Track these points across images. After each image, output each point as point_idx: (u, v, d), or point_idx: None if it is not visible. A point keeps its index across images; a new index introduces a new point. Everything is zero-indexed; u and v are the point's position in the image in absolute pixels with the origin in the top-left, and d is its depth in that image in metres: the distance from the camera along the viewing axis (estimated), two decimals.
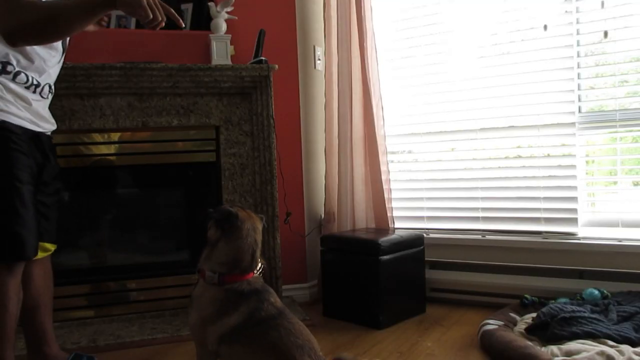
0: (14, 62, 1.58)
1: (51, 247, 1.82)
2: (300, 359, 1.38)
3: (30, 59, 1.63)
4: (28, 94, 1.65)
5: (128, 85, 2.48)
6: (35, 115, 1.67)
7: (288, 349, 1.39)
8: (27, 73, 1.63)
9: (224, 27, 2.60)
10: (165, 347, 2.25)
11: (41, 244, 1.74)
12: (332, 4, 2.93)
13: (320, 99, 3.02)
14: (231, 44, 2.64)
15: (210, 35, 2.59)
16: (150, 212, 2.82)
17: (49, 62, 1.72)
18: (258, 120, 2.68)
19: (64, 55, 1.81)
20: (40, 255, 1.76)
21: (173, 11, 1.58)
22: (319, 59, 3.05)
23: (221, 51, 2.60)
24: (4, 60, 1.56)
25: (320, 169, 3.04)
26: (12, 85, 1.59)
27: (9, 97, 1.58)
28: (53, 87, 1.80)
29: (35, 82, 1.67)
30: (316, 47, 3.04)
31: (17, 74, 1.59)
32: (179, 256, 2.78)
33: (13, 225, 1.57)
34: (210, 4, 2.61)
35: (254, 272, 1.53)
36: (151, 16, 1.48)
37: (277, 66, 2.63)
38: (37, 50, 1.65)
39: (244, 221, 1.50)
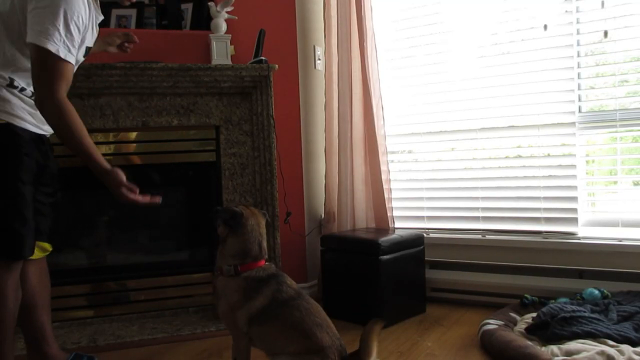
0: (23, 84, 1.64)
1: (49, 247, 1.83)
2: (320, 335, 1.55)
3: None
4: (32, 101, 1.67)
5: (128, 85, 2.48)
6: (39, 119, 1.69)
7: (309, 327, 1.56)
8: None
9: (224, 27, 2.60)
10: (165, 347, 2.25)
11: (40, 243, 1.75)
12: (332, 3, 2.93)
13: (320, 99, 3.02)
14: (231, 44, 2.64)
15: (210, 35, 2.59)
16: (150, 212, 2.81)
17: None
18: (258, 120, 2.68)
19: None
20: (39, 255, 1.77)
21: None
22: (319, 59, 3.05)
23: (221, 51, 2.60)
24: (12, 77, 1.61)
25: (320, 169, 3.04)
26: (18, 94, 1.64)
27: (14, 101, 1.62)
28: None
29: None
30: (316, 47, 3.03)
31: (22, 89, 1.64)
32: (179, 256, 2.78)
33: (14, 223, 1.60)
34: (210, 3, 2.61)
35: (265, 260, 1.69)
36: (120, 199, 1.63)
37: (277, 66, 2.63)
38: None
39: (248, 218, 1.67)
